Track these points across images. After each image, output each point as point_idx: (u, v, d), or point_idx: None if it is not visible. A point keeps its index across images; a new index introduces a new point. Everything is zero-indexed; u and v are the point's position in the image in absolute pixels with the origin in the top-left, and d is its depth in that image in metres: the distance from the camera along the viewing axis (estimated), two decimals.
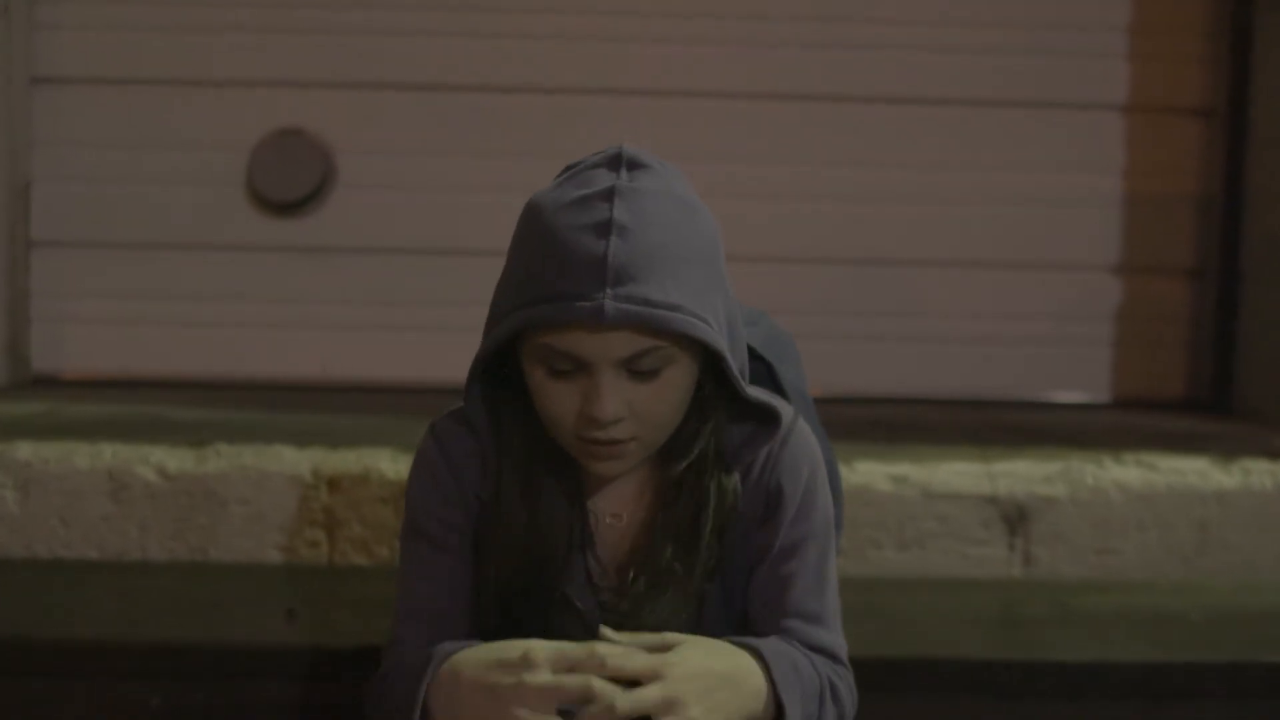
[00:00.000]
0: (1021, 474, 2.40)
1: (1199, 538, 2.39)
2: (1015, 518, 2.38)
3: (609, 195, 1.35)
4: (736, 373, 1.41)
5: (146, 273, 3.14)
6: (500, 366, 1.46)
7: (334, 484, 2.36)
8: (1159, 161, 3.19)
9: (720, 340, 1.38)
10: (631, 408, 1.37)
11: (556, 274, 1.33)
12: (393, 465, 2.35)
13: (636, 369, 1.36)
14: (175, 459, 2.38)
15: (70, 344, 3.16)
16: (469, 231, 3.14)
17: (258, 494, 2.36)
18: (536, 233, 1.37)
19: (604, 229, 1.33)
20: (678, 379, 1.39)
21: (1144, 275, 3.22)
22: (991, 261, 3.20)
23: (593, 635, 1.44)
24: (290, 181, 3.14)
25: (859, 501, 2.35)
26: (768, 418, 1.49)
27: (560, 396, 1.38)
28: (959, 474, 2.39)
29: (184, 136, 3.13)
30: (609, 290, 1.31)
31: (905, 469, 2.39)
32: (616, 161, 1.40)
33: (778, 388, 1.67)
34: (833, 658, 1.50)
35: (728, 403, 1.48)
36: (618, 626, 1.44)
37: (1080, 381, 3.23)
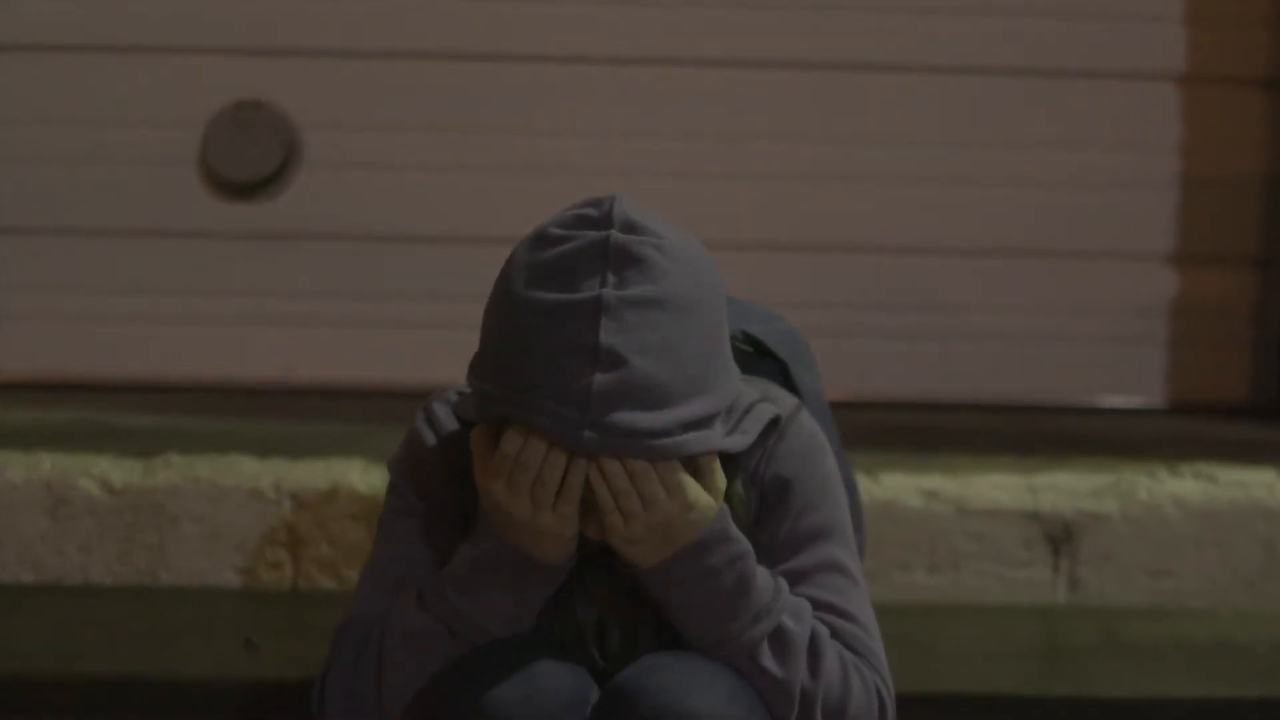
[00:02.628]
0: (1066, 487, 2.40)
1: (1265, 559, 2.39)
2: (1060, 536, 2.37)
3: (595, 310, 1.37)
4: (734, 445, 1.45)
5: (88, 263, 3.14)
6: None
7: (298, 499, 2.35)
8: (1220, 138, 3.19)
9: (715, 441, 1.41)
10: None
11: (539, 390, 1.37)
12: (364, 478, 2.35)
13: None
14: (121, 471, 2.37)
15: (2, 342, 3.16)
16: (452, 216, 3.14)
17: (213, 510, 2.35)
18: (517, 329, 1.40)
19: (590, 355, 1.36)
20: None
21: (1203, 265, 3.21)
22: (1032, 250, 3.20)
23: (588, 652, 1.51)
24: (249, 160, 3.13)
25: (885, 519, 2.35)
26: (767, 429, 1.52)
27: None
28: (997, 488, 2.39)
29: (129, 111, 3.12)
30: (589, 424, 1.36)
31: (936, 482, 2.39)
32: (603, 252, 1.39)
33: (791, 388, 1.68)
34: (863, 658, 1.51)
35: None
36: (620, 645, 1.51)
37: (1132, 384, 3.23)
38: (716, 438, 1.42)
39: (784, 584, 1.48)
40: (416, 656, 1.47)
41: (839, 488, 1.56)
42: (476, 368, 1.46)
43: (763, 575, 1.46)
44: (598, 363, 1.35)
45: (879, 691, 1.50)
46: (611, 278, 1.38)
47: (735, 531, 1.44)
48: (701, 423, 1.40)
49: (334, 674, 1.52)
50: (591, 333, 1.36)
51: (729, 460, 1.49)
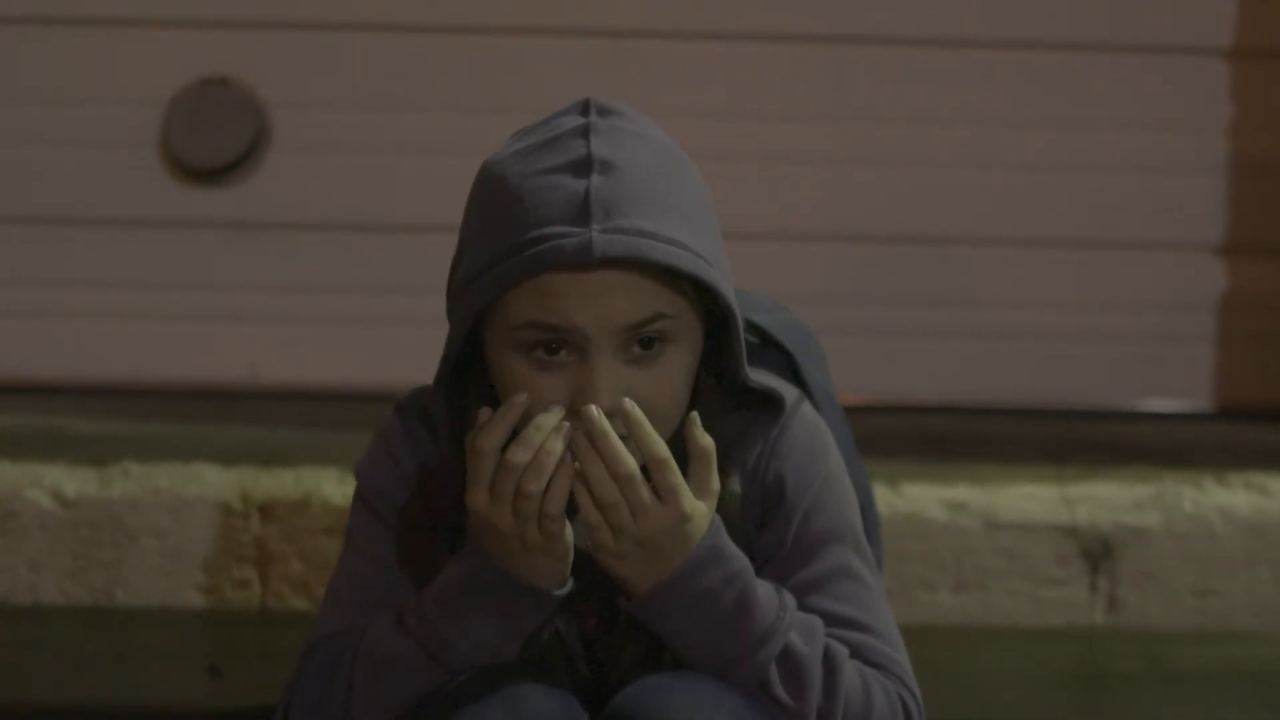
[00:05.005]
0: (1105, 499, 2.40)
1: None
2: (1098, 553, 2.38)
3: (584, 132, 1.40)
4: (744, 359, 1.44)
5: (39, 254, 3.14)
6: (465, 370, 1.49)
7: (267, 511, 2.36)
8: (1274, 118, 3.19)
9: (732, 295, 1.41)
10: (629, 396, 1.39)
11: (528, 221, 1.37)
12: (338, 488, 2.35)
13: (635, 346, 1.39)
14: (74, 481, 2.38)
15: None
16: (436, 203, 3.13)
17: (174, 523, 2.36)
18: (497, 186, 1.41)
19: (583, 166, 1.38)
20: (682, 361, 1.42)
21: (1255, 256, 3.21)
22: (1066, 240, 3.20)
23: (574, 666, 1.51)
24: (214, 143, 3.13)
25: (907, 533, 2.35)
26: (769, 404, 1.51)
27: (543, 389, 1.40)
28: (1029, 499, 2.39)
29: (84, 88, 3.12)
30: (595, 225, 1.35)
31: (963, 493, 2.39)
32: (585, 107, 1.44)
33: (800, 384, 1.68)
34: (885, 669, 1.51)
35: (722, 392, 1.50)
36: (606, 658, 1.50)
37: (1177, 386, 3.23)
38: (730, 291, 1.41)
39: (789, 600, 1.47)
40: (391, 684, 1.47)
41: (847, 484, 1.56)
42: (456, 268, 1.45)
43: (765, 592, 1.45)
44: (591, 169, 1.37)
45: (904, 702, 1.50)
46: (596, 116, 1.42)
47: (730, 547, 1.43)
48: (715, 264, 1.40)
49: (299, 700, 1.52)
50: (583, 148, 1.38)
51: (723, 455, 1.48)
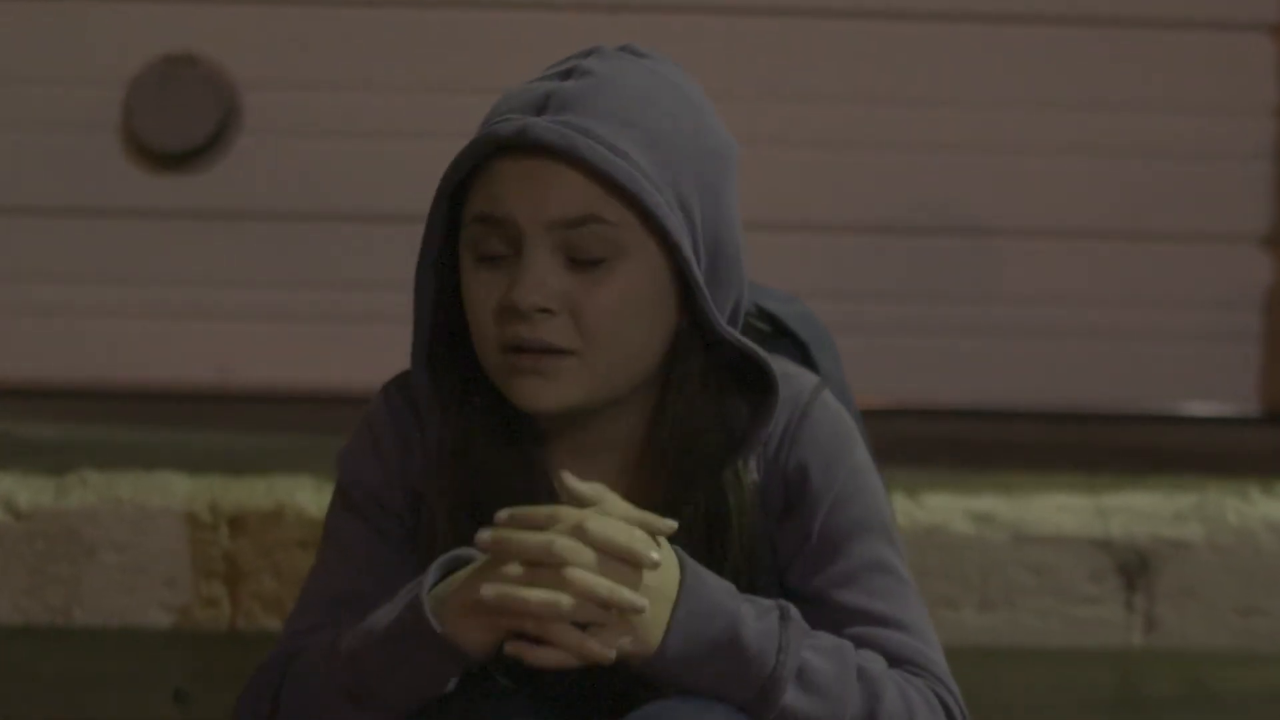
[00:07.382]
0: (1142, 510, 2.41)
1: None
2: (1134, 568, 2.38)
3: (588, 52, 1.48)
4: (708, 299, 1.44)
5: None
6: (452, 349, 1.52)
7: (237, 523, 2.36)
8: None
9: (678, 225, 1.42)
10: (568, 305, 1.42)
11: (493, 116, 1.46)
12: (314, 498, 2.36)
13: (576, 252, 1.42)
14: (29, 491, 2.38)
15: None
16: (421, 190, 3.12)
17: (137, 537, 2.36)
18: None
19: (566, 74, 1.46)
20: (632, 280, 1.43)
21: None
22: (1100, 230, 3.20)
23: (568, 672, 1.49)
24: (180, 125, 3.14)
25: (929, 546, 2.35)
26: (767, 381, 1.49)
27: (485, 289, 1.44)
28: (1060, 510, 2.40)
29: (39, 66, 3.12)
30: (543, 116, 1.42)
31: (990, 504, 2.40)
32: (626, 46, 1.53)
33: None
34: (924, 669, 1.51)
35: (719, 374, 1.50)
36: (608, 681, 1.48)
37: (1219, 388, 3.23)
38: (682, 229, 1.43)
39: (792, 638, 1.44)
40: (313, 709, 1.46)
41: (874, 474, 1.57)
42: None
43: (760, 633, 1.41)
44: (570, 76, 1.45)
45: (944, 702, 1.50)
46: (625, 50, 1.52)
47: (712, 602, 1.39)
48: (664, 190, 1.43)
49: (243, 708, 1.52)
50: (576, 60, 1.47)
51: (732, 433, 1.48)
